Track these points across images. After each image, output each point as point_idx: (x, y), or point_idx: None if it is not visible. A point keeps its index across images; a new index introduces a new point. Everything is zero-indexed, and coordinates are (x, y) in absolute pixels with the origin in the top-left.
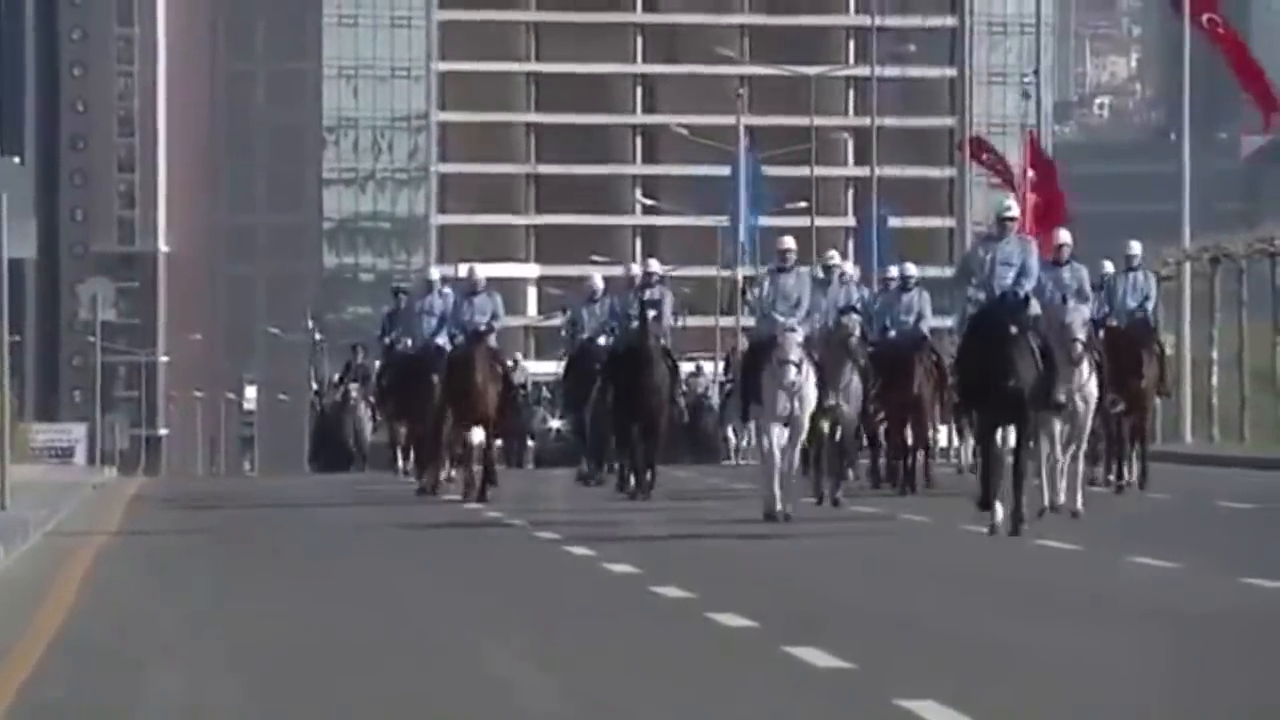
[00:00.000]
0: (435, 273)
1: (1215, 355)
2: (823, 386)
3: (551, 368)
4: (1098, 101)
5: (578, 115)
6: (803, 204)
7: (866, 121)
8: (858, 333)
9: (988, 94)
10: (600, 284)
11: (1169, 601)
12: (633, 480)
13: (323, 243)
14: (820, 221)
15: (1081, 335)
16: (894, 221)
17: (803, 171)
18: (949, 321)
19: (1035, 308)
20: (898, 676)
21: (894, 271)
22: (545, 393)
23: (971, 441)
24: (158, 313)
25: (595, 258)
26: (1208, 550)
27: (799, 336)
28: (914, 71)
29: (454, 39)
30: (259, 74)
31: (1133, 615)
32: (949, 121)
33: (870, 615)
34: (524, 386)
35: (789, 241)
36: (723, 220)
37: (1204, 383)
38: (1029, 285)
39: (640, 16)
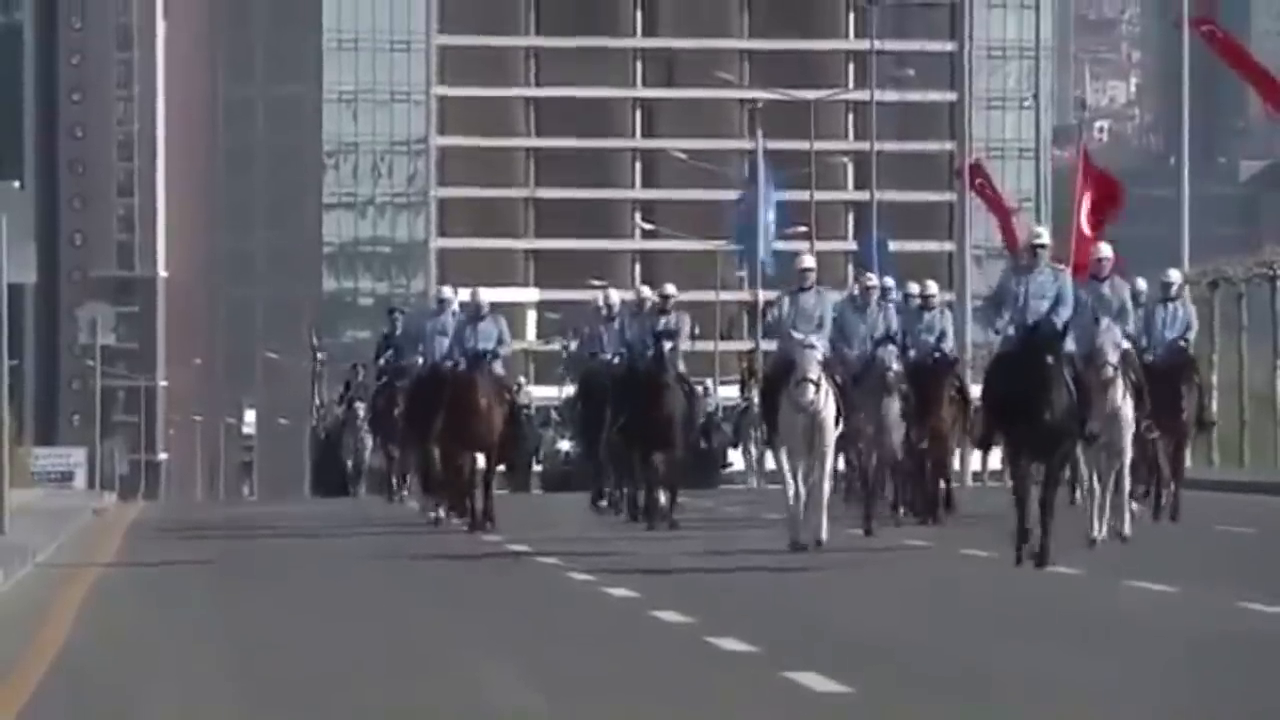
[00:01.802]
0: (448, 291)
1: (1215, 379)
2: (844, 411)
3: (552, 392)
4: (1097, 125)
5: (577, 140)
6: (802, 228)
7: (866, 145)
8: (896, 366)
9: (987, 118)
10: (616, 300)
11: (1168, 626)
12: (645, 507)
13: (322, 267)
14: (820, 245)
15: (1113, 358)
16: (893, 246)
17: (802, 195)
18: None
19: (1070, 343)
20: (896, 701)
21: (914, 288)
22: (554, 415)
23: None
24: (157, 337)
25: (594, 282)
26: (1207, 575)
27: (819, 354)
28: (913, 95)
29: (454, 63)
30: (258, 98)
31: (1131, 640)
32: (948, 145)
33: (871, 640)
34: (527, 408)
35: (809, 260)
36: (723, 244)
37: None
38: (1066, 314)
39: (639, 41)
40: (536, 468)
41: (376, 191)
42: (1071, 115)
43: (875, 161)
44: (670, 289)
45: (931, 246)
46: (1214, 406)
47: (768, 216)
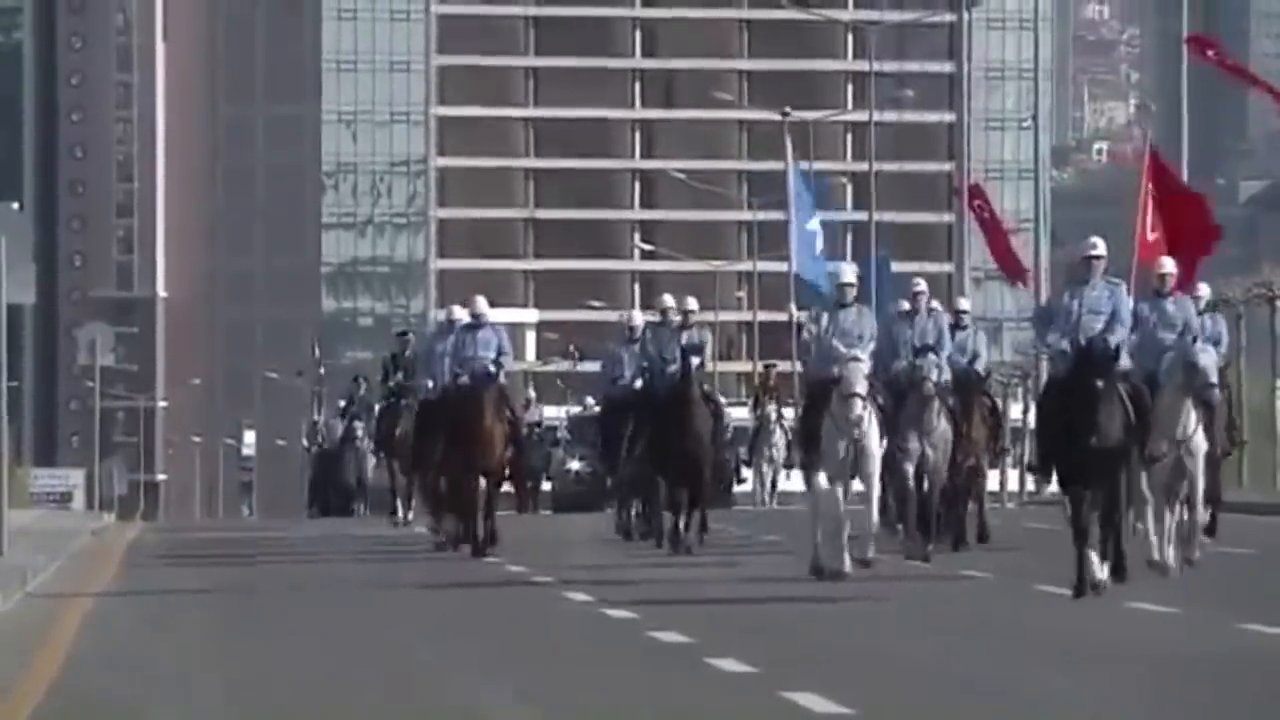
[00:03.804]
0: (459, 310)
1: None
2: (888, 432)
3: (555, 411)
4: (1095, 146)
5: (576, 160)
6: None
7: (864, 166)
8: (934, 376)
9: (985, 139)
10: (640, 321)
11: (1167, 647)
12: (669, 532)
13: (321, 287)
14: None
15: (1216, 379)
16: (892, 266)
17: None
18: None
19: (1125, 361)
20: None
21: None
22: (564, 433)
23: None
24: (156, 358)
25: (594, 303)
26: (1206, 595)
27: (865, 369)
28: (912, 116)
29: (453, 84)
30: (258, 118)
31: (1131, 661)
32: (947, 166)
33: (872, 661)
34: (538, 424)
35: (850, 274)
36: (721, 264)
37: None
38: (1120, 334)
39: (638, 62)
40: (545, 486)
41: (375, 211)
42: (1070, 136)
43: (874, 182)
44: (692, 303)
45: (930, 268)
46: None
47: (810, 235)
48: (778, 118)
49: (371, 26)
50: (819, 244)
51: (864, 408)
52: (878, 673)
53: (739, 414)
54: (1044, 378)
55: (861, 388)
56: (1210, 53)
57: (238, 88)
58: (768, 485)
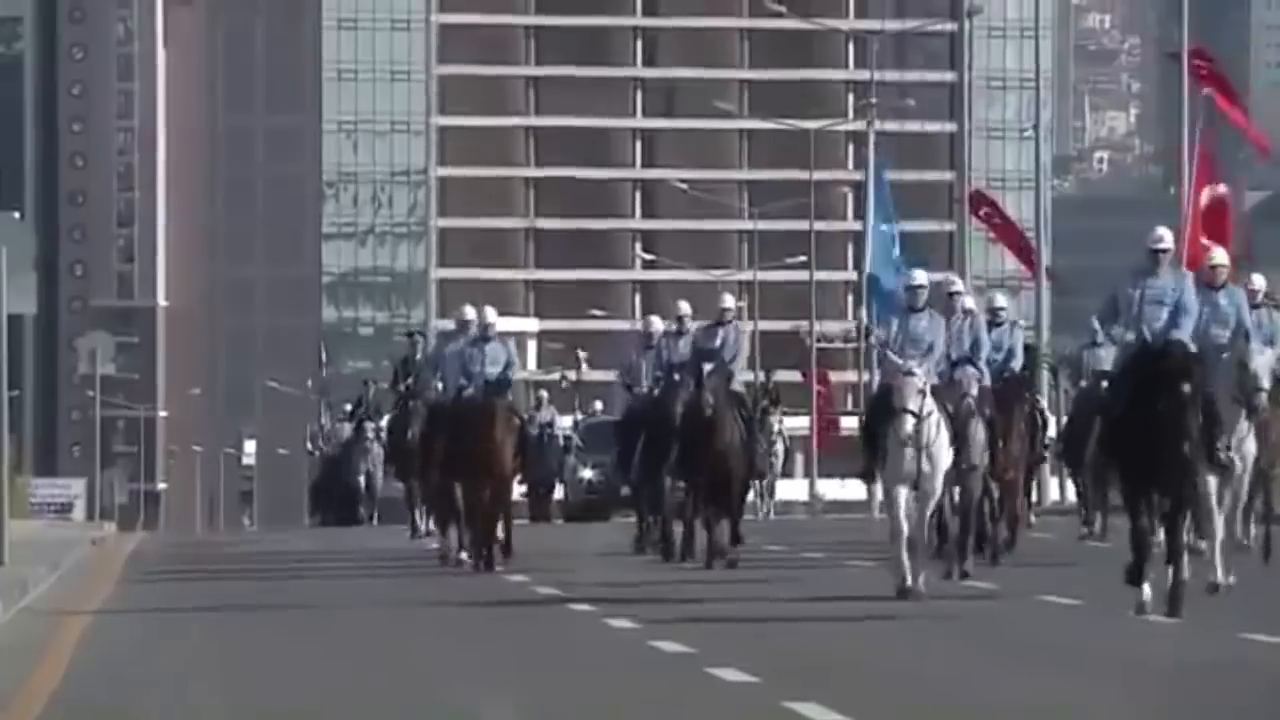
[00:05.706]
0: (471, 312)
1: None
2: (956, 444)
3: (564, 421)
4: (1097, 156)
5: (577, 169)
6: (802, 258)
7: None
8: (974, 390)
9: (986, 148)
10: (658, 327)
11: (1170, 656)
12: (707, 545)
13: (322, 297)
14: (820, 275)
15: (1268, 384)
16: None
17: (802, 225)
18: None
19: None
20: None
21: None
22: (577, 440)
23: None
24: (157, 367)
25: (595, 312)
26: (1209, 605)
27: (919, 382)
28: (913, 126)
29: (453, 93)
30: (258, 128)
31: (1132, 670)
32: (948, 176)
33: (875, 672)
34: (549, 425)
35: (921, 276)
36: (722, 274)
37: None
38: (1188, 326)
39: (639, 71)
40: (559, 494)
41: (376, 221)
42: (1071, 145)
43: (874, 191)
44: (728, 301)
45: (932, 277)
46: None
47: (891, 245)
48: (779, 128)
49: (372, 36)
50: (896, 249)
51: (918, 423)
52: (880, 683)
53: None
54: (1043, 381)
55: (913, 403)
56: (1196, 62)
57: (238, 97)
58: (766, 494)
